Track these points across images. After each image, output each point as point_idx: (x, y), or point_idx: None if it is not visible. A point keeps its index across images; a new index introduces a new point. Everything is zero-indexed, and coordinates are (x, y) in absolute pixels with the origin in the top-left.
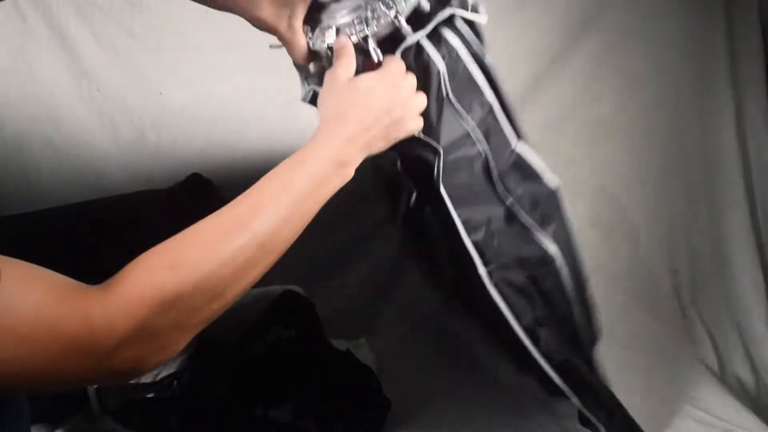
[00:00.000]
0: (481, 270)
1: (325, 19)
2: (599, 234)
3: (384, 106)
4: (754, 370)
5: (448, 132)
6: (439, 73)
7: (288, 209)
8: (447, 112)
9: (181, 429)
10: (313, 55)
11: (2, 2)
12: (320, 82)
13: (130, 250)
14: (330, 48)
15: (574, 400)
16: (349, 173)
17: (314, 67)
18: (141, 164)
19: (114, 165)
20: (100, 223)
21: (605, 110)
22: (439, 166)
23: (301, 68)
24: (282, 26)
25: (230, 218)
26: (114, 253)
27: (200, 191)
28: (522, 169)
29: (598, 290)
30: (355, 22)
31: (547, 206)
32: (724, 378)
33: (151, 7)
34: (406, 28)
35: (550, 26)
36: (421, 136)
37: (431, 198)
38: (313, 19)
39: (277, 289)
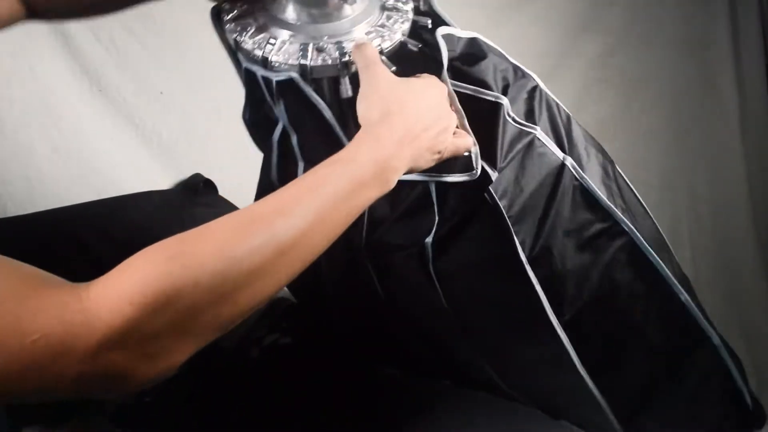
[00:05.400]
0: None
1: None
2: None
3: (435, 112)
4: (756, 368)
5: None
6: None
7: (318, 213)
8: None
9: None
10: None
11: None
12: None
13: (132, 252)
14: (343, 56)
15: None
16: (392, 181)
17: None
18: (142, 164)
19: (115, 165)
20: (101, 224)
21: (607, 111)
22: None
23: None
24: None
25: (250, 215)
26: (116, 255)
27: (202, 192)
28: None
29: None
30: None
31: None
32: None
33: (152, 7)
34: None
35: (551, 26)
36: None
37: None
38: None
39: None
